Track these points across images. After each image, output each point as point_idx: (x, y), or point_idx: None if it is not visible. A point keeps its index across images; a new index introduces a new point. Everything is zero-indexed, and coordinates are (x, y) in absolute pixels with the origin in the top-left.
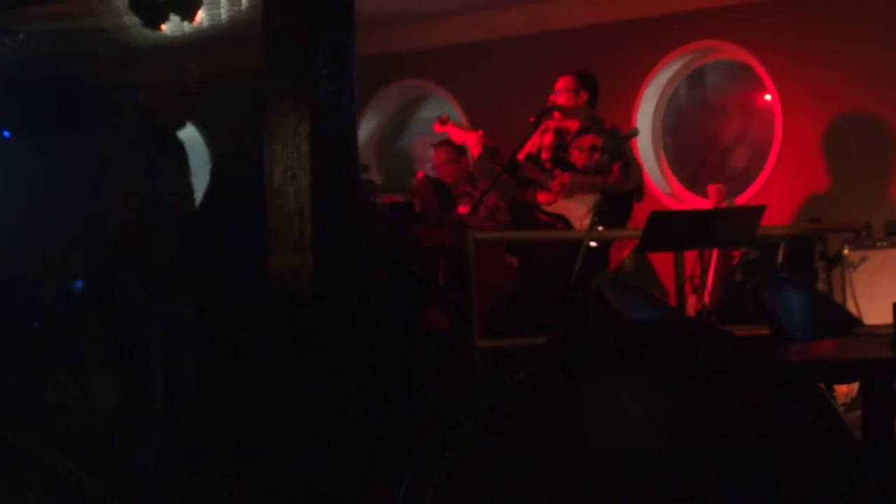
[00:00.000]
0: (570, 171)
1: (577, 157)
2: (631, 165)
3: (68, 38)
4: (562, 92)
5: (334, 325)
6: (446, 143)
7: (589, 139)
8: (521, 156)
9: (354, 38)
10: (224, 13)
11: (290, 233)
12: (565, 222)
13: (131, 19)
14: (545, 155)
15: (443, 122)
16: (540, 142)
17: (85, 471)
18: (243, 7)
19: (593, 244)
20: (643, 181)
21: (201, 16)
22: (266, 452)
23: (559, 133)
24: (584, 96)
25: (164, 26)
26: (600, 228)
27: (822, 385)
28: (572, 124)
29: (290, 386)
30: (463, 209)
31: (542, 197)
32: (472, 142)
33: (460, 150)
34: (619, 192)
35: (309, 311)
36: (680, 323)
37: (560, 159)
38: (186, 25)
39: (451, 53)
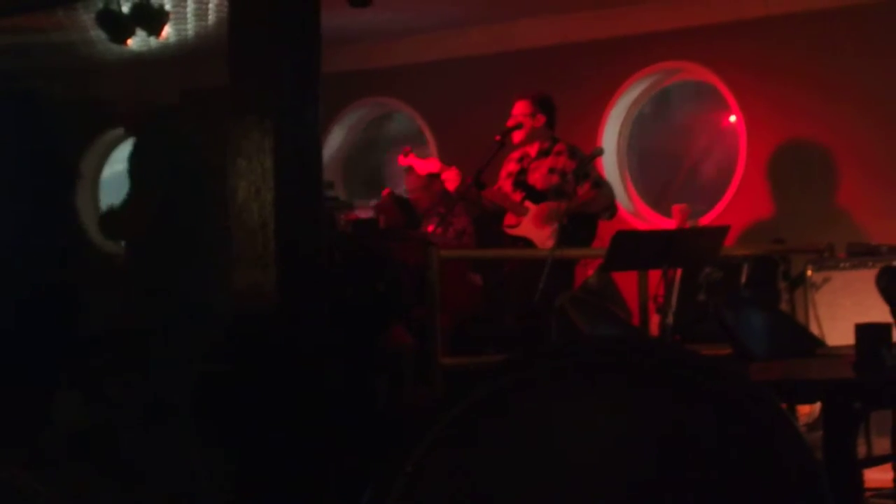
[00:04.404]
0: (531, 199)
1: (536, 179)
2: (602, 186)
3: (35, 51)
4: (518, 117)
5: (297, 340)
6: (415, 171)
7: (547, 162)
8: (487, 191)
9: (320, 55)
10: (191, 28)
11: (254, 248)
12: (530, 245)
13: (98, 34)
14: (508, 181)
15: (405, 154)
16: (504, 172)
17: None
18: (210, 22)
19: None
20: (614, 199)
21: (168, 31)
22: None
23: (520, 161)
24: (542, 119)
25: (130, 41)
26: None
27: (784, 405)
28: (531, 149)
29: (253, 401)
30: (432, 228)
31: (507, 219)
32: (449, 176)
33: (431, 175)
34: (590, 211)
35: (272, 326)
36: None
37: (521, 182)
38: (153, 40)
39: (418, 71)
